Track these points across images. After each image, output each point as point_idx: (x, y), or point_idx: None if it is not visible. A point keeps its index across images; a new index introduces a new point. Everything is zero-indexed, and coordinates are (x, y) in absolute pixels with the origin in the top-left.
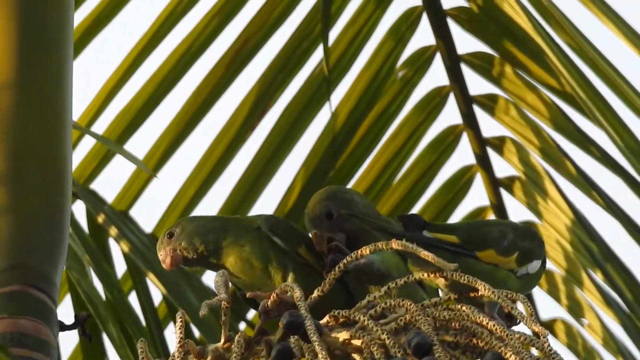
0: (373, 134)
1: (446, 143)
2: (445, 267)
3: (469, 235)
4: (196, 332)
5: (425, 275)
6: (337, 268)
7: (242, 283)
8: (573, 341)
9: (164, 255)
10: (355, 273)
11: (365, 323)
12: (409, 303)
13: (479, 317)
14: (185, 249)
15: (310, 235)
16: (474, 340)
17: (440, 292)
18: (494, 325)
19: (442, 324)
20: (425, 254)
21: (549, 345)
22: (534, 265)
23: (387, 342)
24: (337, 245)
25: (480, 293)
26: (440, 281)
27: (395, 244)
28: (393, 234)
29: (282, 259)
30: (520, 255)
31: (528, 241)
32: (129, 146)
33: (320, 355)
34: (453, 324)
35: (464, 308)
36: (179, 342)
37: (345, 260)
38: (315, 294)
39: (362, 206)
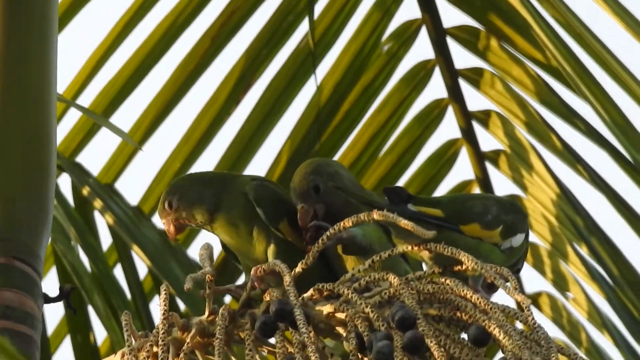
0: (358, 108)
1: (431, 117)
2: (424, 235)
3: (453, 209)
4: (181, 305)
5: (410, 247)
6: (320, 240)
7: (231, 245)
8: (558, 315)
9: (166, 225)
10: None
11: (349, 296)
12: (392, 276)
13: (463, 290)
14: (186, 218)
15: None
16: (458, 314)
17: (424, 265)
18: (477, 299)
19: (426, 298)
20: (405, 223)
21: (532, 318)
22: (518, 239)
23: (371, 315)
24: (317, 223)
25: (464, 266)
26: (425, 254)
27: (376, 215)
28: (377, 206)
29: (266, 230)
30: (504, 229)
31: (512, 215)
32: (114, 119)
33: (310, 349)
34: (437, 297)
35: (447, 281)
36: (164, 314)
37: (328, 233)
38: (299, 267)
39: (346, 179)
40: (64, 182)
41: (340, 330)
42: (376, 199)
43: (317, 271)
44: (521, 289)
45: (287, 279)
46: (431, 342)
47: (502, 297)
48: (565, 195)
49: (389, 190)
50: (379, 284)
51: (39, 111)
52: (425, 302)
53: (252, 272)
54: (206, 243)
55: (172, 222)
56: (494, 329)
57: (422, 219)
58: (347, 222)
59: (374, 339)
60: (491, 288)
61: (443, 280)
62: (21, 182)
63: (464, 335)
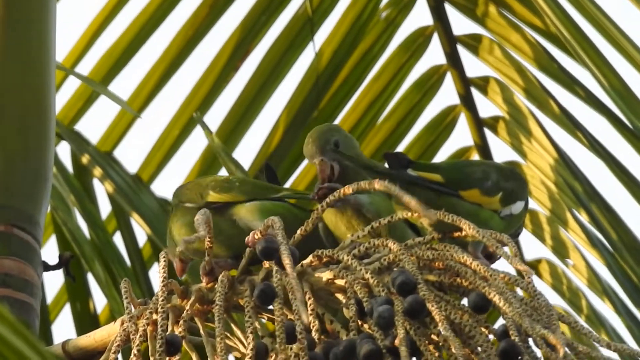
0: (357, 74)
1: (430, 83)
2: (427, 216)
3: (453, 174)
4: None
5: (409, 214)
6: (320, 207)
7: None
8: (558, 282)
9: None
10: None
11: (349, 262)
12: (392, 242)
13: (463, 257)
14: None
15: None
16: (458, 280)
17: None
18: (477, 265)
19: (426, 264)
20: (407, 200)
21: (533, 285)
22: (518, 207)
23: (371, 281)
24: (330, 185)
25: (464, 233)
26: (425, 220)
27: (377, 184)
28: (378, 171)
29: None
30: (504, 196)
31: (512, 182)
32: (113, 87)
33: (291, 277)
34: (437, 263)
35: (447, 248)
36: (163, 281)
37: (328, 199)
38: (299, 233)
39: (356, 146)
40: (63, 150)
41: (340, 297)
42: (375, 165)
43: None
44: (521, 256)
45: (277, 223)
46: (432, 306)
47: (502, 264)
48: (565, 162)
49: (389, 155)
50: (379, 251)
51: (38, 79)
52: (425, 269)
53: (249, 237)
54: (203, 209)
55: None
56: (494, 295)
57: (421, 184)
58: (348, 189)
59: (375, 304)
60: (491, 258)
61: (443, 246)
62: (20, 150)
63: (464, 302)
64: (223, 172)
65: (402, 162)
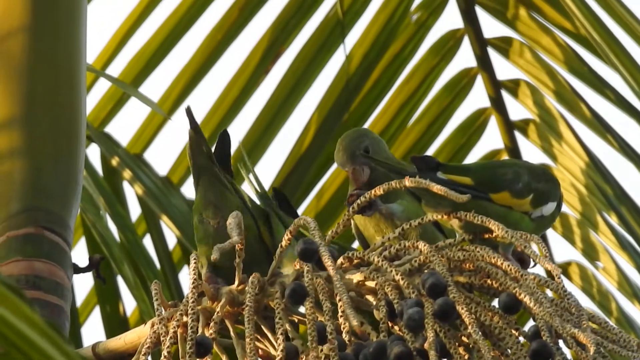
0: (387, 77)
1: (460, 86)
2: (457, 199)
3: (483, 176)
4: None
5: (440, 216)
6: (351, 208)
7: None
8: (588, 284)
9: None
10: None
11: (380, 264)
12: (422, 244)
13: (494, 258)
14: None
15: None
16: (488, 281)
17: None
18: (508, 266)
19: (456, 265)
20: (438, 188)
21: (563, 285)
22: (549, 208)
23: (401, 283)
24: (361, 192)
25: (494, 234)
26: (455, 222)
27: (408, 181)
28: (406, 175)
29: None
30: (535, 197)
31: (543, 183)
32: (143, 89)
33: (335, 279)
34: (467, 265)
35: (478, 249)
36: (193, 283)
37: (359, 201)
38: (329, 235)
39: (386, 149)
40: (93, 153)
41: (370, 298)
42: (406, 167)
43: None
44: (551, 258)
45: (312, 225)
46: (462, 309)
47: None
48: (595, 165)
49: (417, 159)
50: (409, 253)
51: (68, 81)
52: (456, 270)
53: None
54: (235, 212)
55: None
56: (525, 296)
57: (451, 187)
58: (379, 190)
59: (405, 306)
60: (523, 262)
61: (473, 247)
62: (51, 152)
63: (494, 303)
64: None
65: (430, 165)
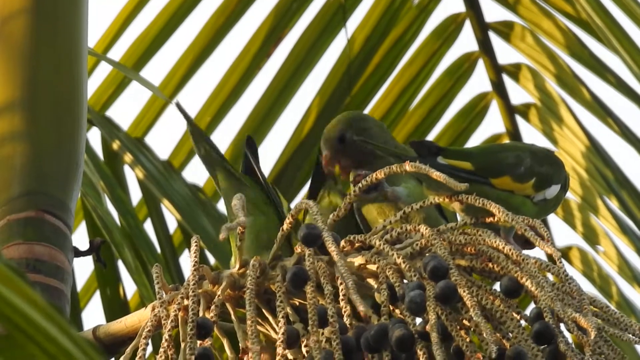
0: (389, 61)
1: (462, 70)
2: (456, 187)
3: (484, 161)
4: (211, 260)
5: (441, 199)
6: (352, 192)
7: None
8: (588, 268)
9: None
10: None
11: (381, 247)
12: (424, 227)
13: (495, 242)
14: None
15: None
16: (490, 265)
17: (458, 217)
18: (509, 250)
19: (458, 249)
20: (437, 175)
21: (564, 269)
22: (552, 191)
23: (403, 266)
24: (365, 172)
25: (495, 218)
26: (456, 205)
27: (408, 166)
28: (405, 159)
29: None
30: (537, 181)
31: (546, 166)
32: (145, 73)
33: (339, 264)
34: (469, 248)
35: (479, 232)
36: (194, 266)
37: (360, 185)
38: (331, 218)
39: (377, 134)
40: (94, 136)
41: (371, 282)
42: (407, 153)
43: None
44: (552, 242)
45: (314, 209)
46: (464, 292)
47: (536, 252)
48: (596, 148)
49: (417, 143)
50: (411, 236)
51: (70, 65)
52: (457, 254)
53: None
54: (239, 194)
55: None
56: (526, 280)
57: (451, 172)
58: (380, 174)
59: (406, 288)
60: (528, 243)
61: (475, 231)
62: (52, 136)
63: (496, 287)
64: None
65: (430, 150)
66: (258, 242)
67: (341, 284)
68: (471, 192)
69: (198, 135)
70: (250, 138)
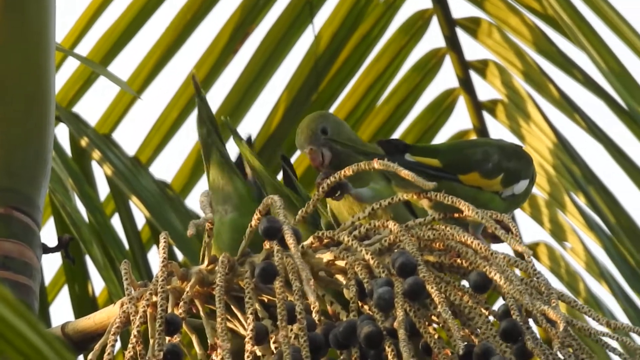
0: (356, 57)
1: (429, 66)
2: (424, 186)
3: (452, 157)
4: (180, 256)
5: (409, 196)
6: (320, 189)
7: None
8: (556, 264)
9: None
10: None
11: (350, 243)
12: (392, 223)
13: (463, 237)
14: None
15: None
16: (458, 261)
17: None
18: (478, 245)
19: (426, 245)
20: (405, 173)
21: (532, 264)
22: (521, 186)
23: (371, 262)
24: (328, 172)
25: (464, 214)
26: (425, 202)
27: (377, 164)
28: (373, 156)
29: None
30: (505, 177)
31: (514, 161)
32: (112, 68)
33: (296, 256)
34: (437, 244)
35: (448, 228)
36: (163, 263)
37: (328, 181)
38: (299, 215)
39: (349, 130)
40: (62, 133)
41: (340, 278)
42: (374, 150)
43: None
44: (520, 239)
45: (278, 203)
46: (432, 288)
47: (503, 247)
48: (563, 145)
49: (384, 142)
50: (379, 232)
51: (37, 60)
52: (425, 250)
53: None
54: (206, 190)
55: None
56: (495, 274)
57: (420, 169)
58: (348, 171)
59: (375, 285)
60: (496, 238)
61: (443, 227)
62: (21, 132)
63: (464, 283)
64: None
65: (398, 148)
66: (238, 239)
67: (310, 280)
68: (440, 190)
69: (205, 113)
70: (285, 157)
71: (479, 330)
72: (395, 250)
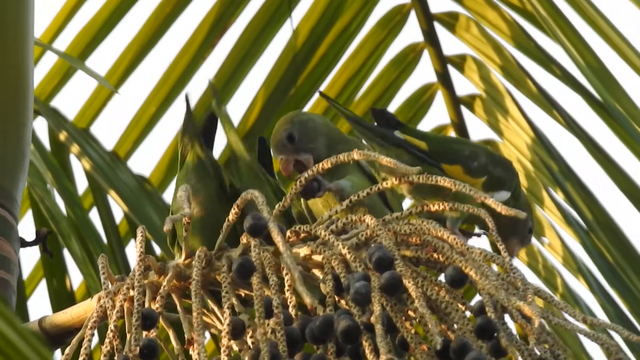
0: (334, 52)
1: (407, 61)
2: (407, 170)
3: (439, 146)
4: (157, 250)
5: (390, 183)
6: (297, 182)
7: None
8: (533, 260)
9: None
10: None
11: (326, 238)
12: (369, 217)
13: (440, 231)
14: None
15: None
16: (435, 256)
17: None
18: (454, 239)
19: (403, 239)
20: (387, 161)
21: (509, 260)
22: (502, 196)
23: (348, 256)
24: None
25: (441, 207)
26: (405, 186)
27: (357, 154)
28: (365, 126)
29: None
30: (488, 180)
31: (500, 169)
32: (90, 63)
33: (285, 255)
34: (414, 238)
35: (424, 222)
36: (140, 257)
37: (306, 174)
38: (276, 209)
39: (320, 125)
40: (40, 126)
41: (317, 272)
42: (357, 143)
43: None
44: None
45: (260, 199)
46: (409, 282)
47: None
48: (541, 140)
49: (378, 112)
50: (356, 227)
51: (16, 55)
52: (402, 244)
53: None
54: (184, 185)
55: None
56: (471, 269)
57: (406, 147)
58: (326, 163)
59: (351, 279)
60: (468, 235)
61: (420, 221)
62: None
63: (441, 278)
64: None
65: (390, 122)
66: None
67: (287, 274)
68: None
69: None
70: (262, 139)
71: (455, 325)
72: (372, 245)
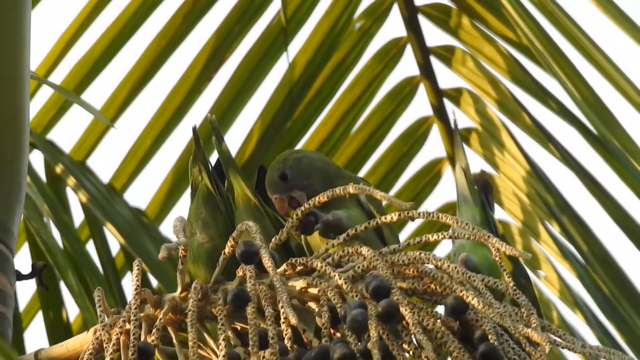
0: (330, 85)
1: (403, 94)
2: (401, 206)
3: None
4: (154, 282)
5: (390, 217)
6: (295, 216)
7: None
8: None
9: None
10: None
11: (323, 270)
12: (366, 249)
13: (439, 261)
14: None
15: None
16: (432, 287)
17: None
18: (454, 269)
19: (399, 272)
20: (381, 195)
21: (513, 285)
22: None
23: (345, 287)
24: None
25: (440, 236)
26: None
27: (352, 188)
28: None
29: None
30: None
31: None
32: (86, 96)
33: (274, 279)
34: (410, 270)
35: (421, 253)
36: (136, 290)
37: (303, 208)
38: (273, 242)
39: (316, 161)
40: (37, 159)
41: (313, 305)
42: (353, 178)
43: None
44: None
45: (253, 228)
46: (406, 310)
47: None
48: (537, 173)
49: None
50: (352, 260)
51: (12, 88)
52: (399, 277)
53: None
54: (180, 216)
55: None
56: (473, 298)
57: None
58: (322, 197)
59: (348, 308)
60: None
61: (417, 252)
62: None
63: (438, 309)
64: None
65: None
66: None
67: (282, 307)
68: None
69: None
70: (262, 167)
71: (449, 358)
72: (369, 274)
